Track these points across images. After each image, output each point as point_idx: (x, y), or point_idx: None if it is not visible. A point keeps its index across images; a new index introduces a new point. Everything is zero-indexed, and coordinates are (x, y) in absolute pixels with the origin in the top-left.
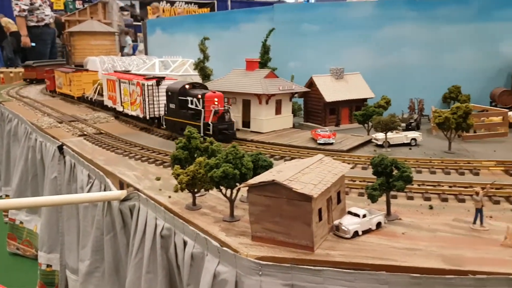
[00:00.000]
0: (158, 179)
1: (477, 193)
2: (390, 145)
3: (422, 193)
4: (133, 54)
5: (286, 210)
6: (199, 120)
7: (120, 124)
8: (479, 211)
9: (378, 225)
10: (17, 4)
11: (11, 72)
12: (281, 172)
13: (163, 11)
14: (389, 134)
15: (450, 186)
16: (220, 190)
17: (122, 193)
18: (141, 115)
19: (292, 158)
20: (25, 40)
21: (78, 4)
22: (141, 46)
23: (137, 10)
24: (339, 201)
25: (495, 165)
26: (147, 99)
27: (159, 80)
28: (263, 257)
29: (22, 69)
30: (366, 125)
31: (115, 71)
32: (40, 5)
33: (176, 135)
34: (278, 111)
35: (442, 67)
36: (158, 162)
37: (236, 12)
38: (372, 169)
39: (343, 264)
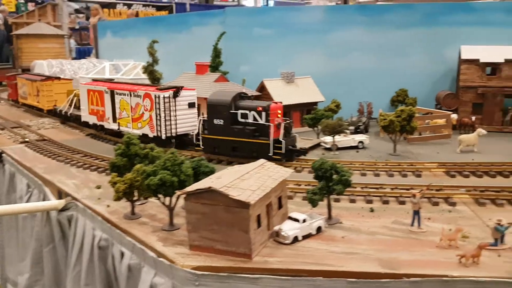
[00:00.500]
0: (98, 187)
1: (414, 196)
2: (338, 148)
3: (365, 196)
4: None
5: (223, 217)
6: (260, 137)
7: (65, 129)
8: (416, 213)
9: (319, 229)
10: None
11: None
12: (220, 178)
13: (110, 14)
14: (337, 137)
15: (392, 188)
16: (158, 199)
17: (60, 203)
18: (151, 134)
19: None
20: None
21: (31, 6)
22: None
23: None
24: (280, 206)
25: (436, 166)
26: (162, 115)
27: (177, 90)
28: (200, 266)
29: None
30: (315, 128)
31: (107, 80)
32: None
33: (221, 158)
34: None
35: (390, 71)
36: (100, 170)
37: (189, 15)
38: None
39: (281, 271)
